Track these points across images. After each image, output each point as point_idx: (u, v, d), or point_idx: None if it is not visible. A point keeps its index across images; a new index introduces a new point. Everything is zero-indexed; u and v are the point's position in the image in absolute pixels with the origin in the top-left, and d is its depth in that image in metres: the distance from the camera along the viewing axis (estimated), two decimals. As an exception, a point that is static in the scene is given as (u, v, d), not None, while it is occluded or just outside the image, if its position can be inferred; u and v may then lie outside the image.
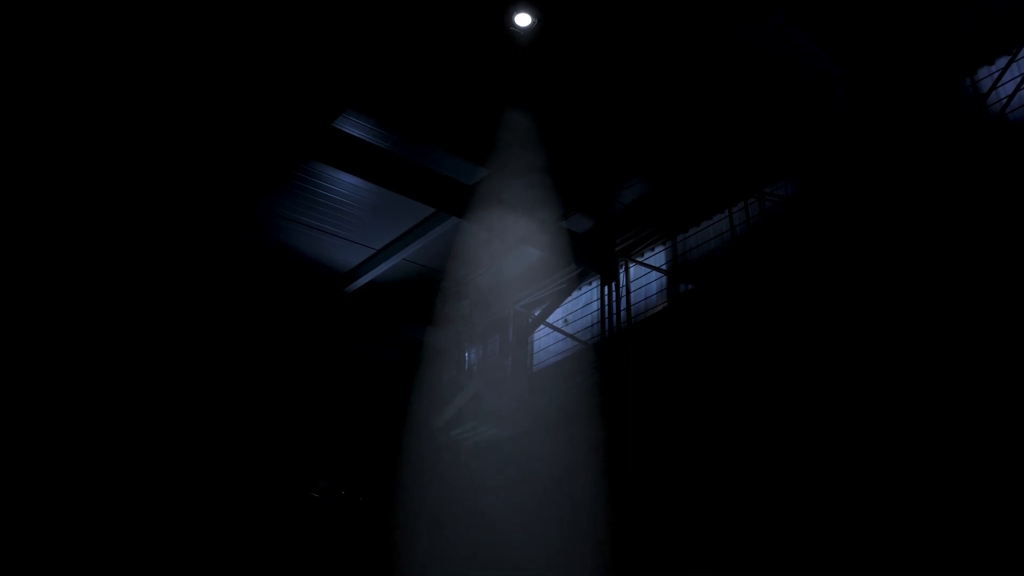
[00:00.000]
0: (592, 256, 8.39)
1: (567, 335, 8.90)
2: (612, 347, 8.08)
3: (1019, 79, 6.02)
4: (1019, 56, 6.08)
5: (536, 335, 9.34)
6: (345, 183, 7.91)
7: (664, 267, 8.24)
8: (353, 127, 7.35)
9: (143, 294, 8.09)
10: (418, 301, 9.28)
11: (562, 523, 7.54)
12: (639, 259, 8.43)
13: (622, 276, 8.44)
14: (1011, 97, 6.04)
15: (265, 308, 8.89)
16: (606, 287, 8.35)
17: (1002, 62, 6.22)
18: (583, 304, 8.96)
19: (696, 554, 6.67)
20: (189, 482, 7.92)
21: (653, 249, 8.43)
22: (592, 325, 8.73)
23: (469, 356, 10.02)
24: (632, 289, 8.40)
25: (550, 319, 8.97)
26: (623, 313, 8.20)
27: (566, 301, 8.98)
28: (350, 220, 8.36)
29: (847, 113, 6.57)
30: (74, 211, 7.63)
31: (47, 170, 7.27)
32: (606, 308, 8.26)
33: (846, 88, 6.47)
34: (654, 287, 8.31)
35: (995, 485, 5.10)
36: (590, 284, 8.90)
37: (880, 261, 6.15)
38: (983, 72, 6.32)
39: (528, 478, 8.08)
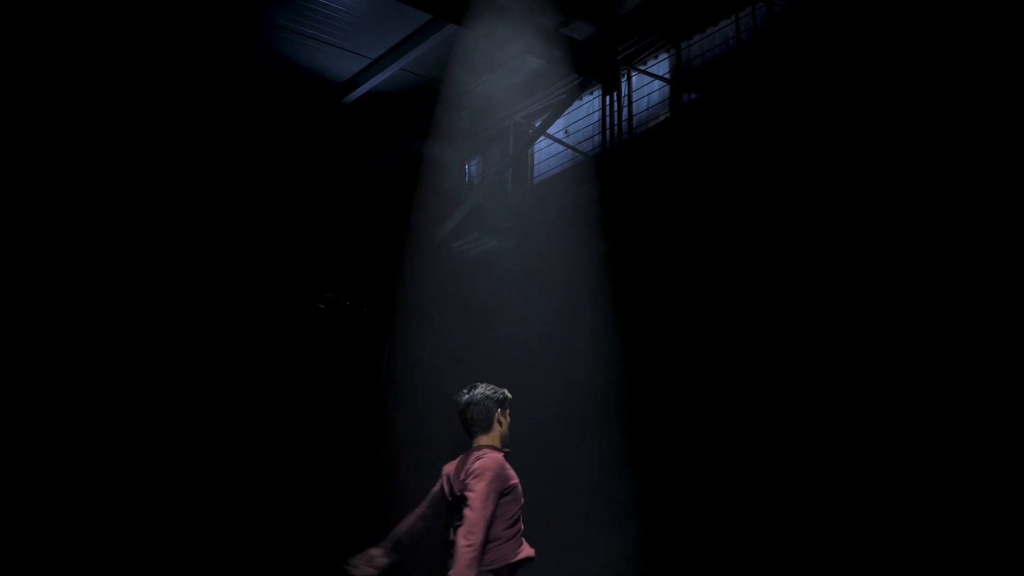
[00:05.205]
0: (593, 64, 8.19)
1: (568, 146, 8.84)
2: (613, 158, 8.05)
3: None
4: None
5: (536, 146, 9.27)
6: (338, -11, 7.65)
7: (667, 76, 8.08)
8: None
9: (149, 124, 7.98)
10: (417, 112, 9.14)
11: (563, 330, 7.77)
12: (641, 67, 8.25)
13: (624, 85, 8.29)
14: None
15: (266, 123, 8.78)
16: (607, 97, 8.22)
17: None
18: (584, 115, 8.84)
19: (696, 367, 6.90)
20: (200, 299, 8.08)
21: (656, 57, 8.23)
22: (593, 136, 8.65)
23: (469, 168, 10.00)
24: (634, 99, 8.27)
25: (550, 130, 8.87)
26: (625, 123, 8.11)
27: (567, 112, 8.84)
28: (345, 28, 8.13)
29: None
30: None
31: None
32: (607, 118, 8.16)
33: None
34: (656, 97, 8.18)
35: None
36: (591, 94, 8.75)
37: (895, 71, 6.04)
38: None
39: (529, 288, 8.25)
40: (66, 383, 7.19)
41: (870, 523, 5.47)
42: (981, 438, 5.11)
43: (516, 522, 4.23)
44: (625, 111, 8.15)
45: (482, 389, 4.44)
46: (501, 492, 4.14)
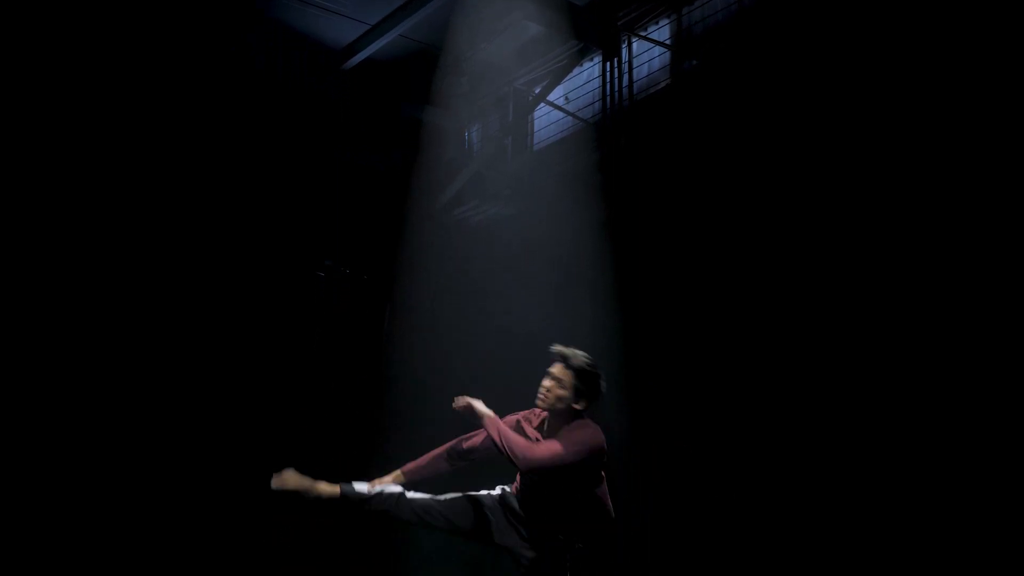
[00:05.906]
0: (593, 30, 8.13)
1: (568, 113, 8.80)
2: (614, 125, 8.01)
3: None
4: None
5: (536, 113, 9.21)
6: (334, -47, 7.59)
7: (668, 42, 8.02)
8: None
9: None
10: (416, 79, 9.10)
11: (562, 296, 7.77)
12: (642, 33, 8.18)
13: (624, 52, 8.22)
14: None
15: (265, 90, 8.74)
16: (608, 63, 8.16)
17: None
18: (584, 81, 8.78)
19: (697, 342, 6.91)
20: (205, 260, 8.08)
21: (657, 23, 8.16)
22: (593, 103, 8.60)
23: (469, 135, 9.94)
24: (635, 66, 8.20)
25: (551, 97, 8.82)
26: (625, 90, 8.05)
27: (567, 78, 8.78)
28: (343, -6, 8.11)
29: None
30: None
31: None
32: (607, 85, 8.11)
33: None
34: (657, 63, 8.12)
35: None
36: (591, 60, 8.68)
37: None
38: None
39: (529, 255, 8.25)
40: (60, 371, 7.17)
41: (872, 520, 5.46)
42: (981, 434, 5.08)
43: None
44: (625, 77, 8.09)
45: None
46: None
